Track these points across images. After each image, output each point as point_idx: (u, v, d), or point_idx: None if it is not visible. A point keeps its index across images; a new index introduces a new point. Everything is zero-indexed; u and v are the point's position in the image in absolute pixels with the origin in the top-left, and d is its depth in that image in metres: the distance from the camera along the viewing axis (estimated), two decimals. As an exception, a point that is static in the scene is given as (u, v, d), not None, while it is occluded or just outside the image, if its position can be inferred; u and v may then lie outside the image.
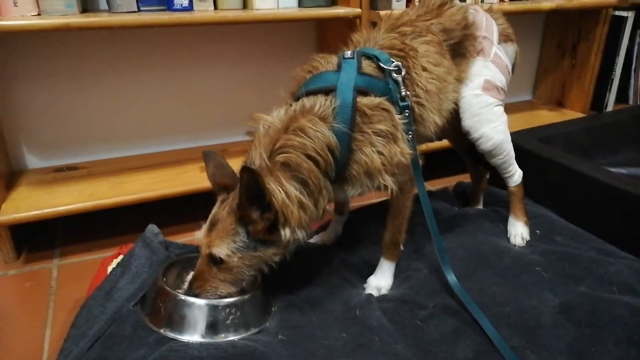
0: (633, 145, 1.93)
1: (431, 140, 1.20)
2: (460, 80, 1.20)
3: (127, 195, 1.43)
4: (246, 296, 1.04)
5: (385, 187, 1.03)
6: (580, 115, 2.13)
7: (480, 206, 1.54)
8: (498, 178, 1.38)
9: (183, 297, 1.01)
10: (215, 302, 1.01)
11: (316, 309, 1.10)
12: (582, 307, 1.06)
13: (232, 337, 1.01)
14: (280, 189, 0.92)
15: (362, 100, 0.99)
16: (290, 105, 1.01)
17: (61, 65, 1.56)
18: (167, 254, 1.22)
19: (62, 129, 1.63)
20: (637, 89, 2.35)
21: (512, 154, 1.30)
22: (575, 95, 2.19)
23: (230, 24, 1.67)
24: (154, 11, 1.42)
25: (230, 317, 1.01)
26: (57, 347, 1.02)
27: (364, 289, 1.18)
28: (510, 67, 1.29)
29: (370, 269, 1.22)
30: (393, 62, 1.03)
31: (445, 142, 1.56)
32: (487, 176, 1.51)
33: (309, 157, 0.94)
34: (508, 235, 1.35)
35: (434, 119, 1.11)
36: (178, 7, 1.44)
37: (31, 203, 1.38)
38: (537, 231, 1.36)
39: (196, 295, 1.01)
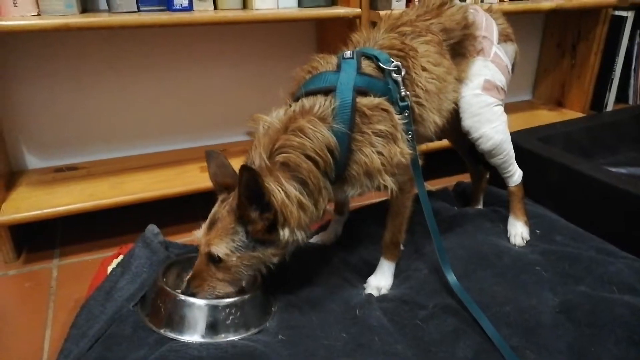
0: (633, 144, 1.93)
1: (431, 140, 1.20)
2: (460, 80, 1.20)
3: (127, 195, 1.43)
4: (246, 296, 1.04)
5: (385, 187, 1.03)
6: (580, 115, 2.13)
7: (480, 206, 1.54)
8: (498, 178, 1.38)
9: (183, 297, 1.01)
10: (215, 302, 1.01)
11: (316, 309, 1.10)
12: (582, 306, 1.06)
13: (232, 337, 1.01)
14: (279, 188, 0.92)
15: (362, 101, 0.98)
16: (290, 105, 1.01)
17: (61, 66, 1.56)
18: (167, 254, 1.22)
19: (62, 129, 1.63)
20: (637, 89, 2.35)
21: (512, 153, 1.30)
22: (575, 95, 2.19)
23: (230, 24, 1.67)
24: (153, 11, 1.42)
25: (230, 317, 1.01)
26: (57, 347, 1.02)
27: (364, 289, 1.18)
28: (510, 67, 1.29)
29: (370, 269, 1.22)
30: (393, 62, 1.03)
31: (445, 142, 1.56)
32: (487, 176, 1.52)
33: (308, 157, 0.94)
34: (508, 235, 1.35)
35: (433, 118, 1.11)
36: (178, 7, 1.44)
37: (31, 203, 1.38)
38: (537, 231, 1.36)
39: (193, 294, 1.01)
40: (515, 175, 1.33)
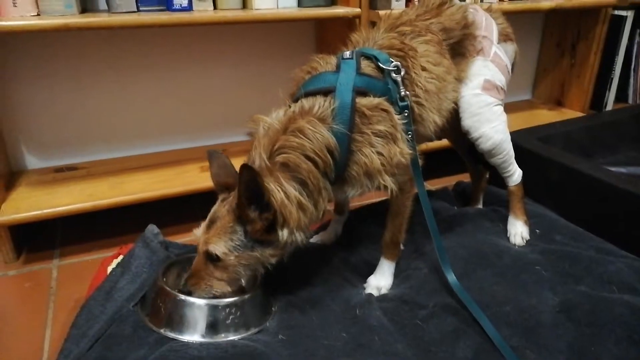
0: (632, 144, 1.93)
1: (431, 140, 1.20)
2: (459, 80, 1.20)
3: (127, 195, 1.43)
4: (246, 296, 1.04)
5: (385, 187, 1.03)
6: (580, 114, 2.13)
7: (480, 206, 1.54)
8: (498, 177, 1.38)
9: (183, 297, 1.01)
10: (215, 302, 1.01)
11: (316, 308, 1.10)
12: (582, 306, 1.07)
13: (232, 337, 1.01)
14: (279, 189, 0.92)
15: (361, 101, 0.98)
16: (289, 106, 1.01)
17: (60, 66, 1.56)
18: (167, 254, 1.22)
19: (62, 129, 1.63)
20: (637, 88, 2.35)
21: (512, 153, 1.30)
22: (574, 95, 2.19)
23: (229, 24, 1.67)
24: (153, 11, 1.42)
25: (230, 317, 1.01)
26: (57, 347, 1.03)
27: (364, 288, 1.18)
28: (509, 67, 1.29)
29: (370, 269, 1.22)
30: (392, 62, 1.03)
31: (445, 142, 1.56)
32: (487, 176, 1.52)
33: (308, 157, 0.94)
34: (508, 235, 1.35)
35: (433, 118, 1.11)
36: (177, 7, 1.44)
37: (31, 203, 1.38)
38: (537, 230, 1.36)
39: (190, 292, 1.01)
40: (515, 174, 1.33)
